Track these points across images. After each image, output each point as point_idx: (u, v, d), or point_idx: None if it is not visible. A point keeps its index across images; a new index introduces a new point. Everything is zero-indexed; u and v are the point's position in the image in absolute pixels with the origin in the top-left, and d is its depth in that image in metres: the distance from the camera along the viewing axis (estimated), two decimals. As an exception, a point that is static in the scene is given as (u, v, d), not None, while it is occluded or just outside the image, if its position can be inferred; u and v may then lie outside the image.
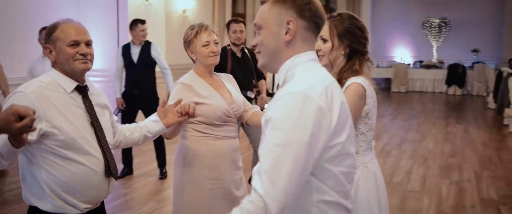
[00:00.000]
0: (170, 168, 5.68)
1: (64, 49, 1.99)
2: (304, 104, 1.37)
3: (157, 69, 5.64)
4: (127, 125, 2.38)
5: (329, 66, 2.23)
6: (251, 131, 4.78)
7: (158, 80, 5.73)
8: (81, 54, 2.00)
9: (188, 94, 2.60)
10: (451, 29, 15.50)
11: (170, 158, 5.69)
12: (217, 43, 2.66)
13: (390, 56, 16.02)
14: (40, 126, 1.87)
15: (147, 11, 7.91)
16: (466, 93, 14.40)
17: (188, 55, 2.72)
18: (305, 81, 1.45)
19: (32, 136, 1.84)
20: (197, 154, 2.63)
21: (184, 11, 10.44)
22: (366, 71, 2.22)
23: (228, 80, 2.82)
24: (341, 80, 2.17)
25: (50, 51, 2.03)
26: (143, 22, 5.53)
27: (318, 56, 2.21)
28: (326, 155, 1.44)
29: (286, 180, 1.33)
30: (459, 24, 15.32)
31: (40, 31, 4.95)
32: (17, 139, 1.70)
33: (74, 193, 1.99)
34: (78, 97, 2.05)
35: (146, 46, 5.51)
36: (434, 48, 15.71)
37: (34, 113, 1.68)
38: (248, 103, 2.83)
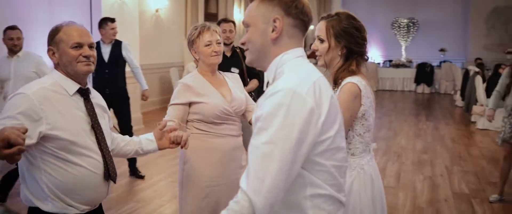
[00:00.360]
0: (145, 168, 5.66)
1: (67, 51, 1.98)
2: (292, 101, 1.38)
3: (127, 68, 5.60)
4: (122, 136, 2.36)
5: (325, 66, 2.20)
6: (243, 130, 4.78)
7: (128, 80, 5.69)
8: (84, 56, 2.00)
9: (188, 94, 2.65)
10: (419, 29, 15.89)
11: (148, 157, 5.69)
12: (219, 43, 2.70)
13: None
14: (40, 128, 1.86)
15: (121, 10, 7.83)
16: (434, 92, 14.78)
17: (192, 54, 2.76)
18: (292, 78, 1.46)
19: (31, 139, 1.82)
20: (196, 152, 2.65)
21: (157, 10, 10.38)
22: (363, 72, 2.18)
23: (232, 79, 2.85)
24: (337, 80, 2.15)
25: (53, 53, 2.02)
26: (112, 20, 5.47)
27: (315, 57, 2.23)
28: (316, 150, 1.45)
29: (273, 177, 1.34)
30: (426, 24, 15.72)
31: (5, 31, 4.85)
32: (8, 159, 1.65)
33: (74, 195, 1.98)
34: (80, 100, 2.05)
35: (117, 45, 5.47)
36: (403, 47, 16.07)
37: (25, 132, 1.64)
38: (253, 103, 2.86)
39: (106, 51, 5.43)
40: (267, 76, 1.60)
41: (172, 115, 2.64)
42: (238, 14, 13.68)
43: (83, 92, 2.06)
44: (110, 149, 2.13)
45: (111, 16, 5.68)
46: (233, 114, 2.69)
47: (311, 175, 1.48)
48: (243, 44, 1.61)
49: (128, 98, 5.57)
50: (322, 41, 2.18)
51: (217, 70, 2.82)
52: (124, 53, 5.46)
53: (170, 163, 5.90)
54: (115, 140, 2.31)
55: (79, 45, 2.00)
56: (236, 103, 2.71)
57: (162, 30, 10.66)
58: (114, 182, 2.13)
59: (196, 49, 2.71)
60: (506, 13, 14.45)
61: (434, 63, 14.92)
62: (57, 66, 2.04)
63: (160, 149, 2.37)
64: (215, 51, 2.68)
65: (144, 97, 5.80)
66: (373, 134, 2.26)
